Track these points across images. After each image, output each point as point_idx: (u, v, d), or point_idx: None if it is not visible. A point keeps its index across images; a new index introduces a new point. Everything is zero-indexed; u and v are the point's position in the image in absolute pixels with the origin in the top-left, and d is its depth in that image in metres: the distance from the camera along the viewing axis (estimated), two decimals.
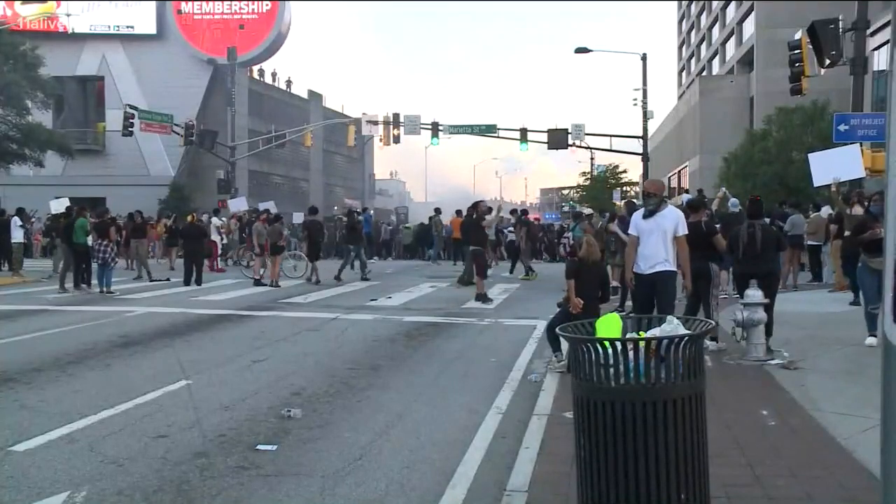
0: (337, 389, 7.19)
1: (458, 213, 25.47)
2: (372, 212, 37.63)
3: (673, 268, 7.58)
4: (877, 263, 7.93)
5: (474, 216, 15.68)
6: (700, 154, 44.13)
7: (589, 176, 51.98)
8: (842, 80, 20.59)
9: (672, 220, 7.57)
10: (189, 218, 21.36)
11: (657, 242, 7.47)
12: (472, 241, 15.32)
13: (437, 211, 29.32)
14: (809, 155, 15.35)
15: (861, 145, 14.67)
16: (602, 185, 47.49)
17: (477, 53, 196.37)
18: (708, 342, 8.01)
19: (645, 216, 7.64)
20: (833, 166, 13.89)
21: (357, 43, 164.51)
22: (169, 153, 45.44)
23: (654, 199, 7.72)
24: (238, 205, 29.38)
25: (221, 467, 4.94)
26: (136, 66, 47.54)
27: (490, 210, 17.74)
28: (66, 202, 22.66)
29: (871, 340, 8.23)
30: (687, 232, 7.64)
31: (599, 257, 8.08)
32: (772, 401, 6.27)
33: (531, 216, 35.69)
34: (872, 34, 22.21)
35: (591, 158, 50.06)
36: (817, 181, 14.57)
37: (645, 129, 36.78)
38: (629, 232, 7.97)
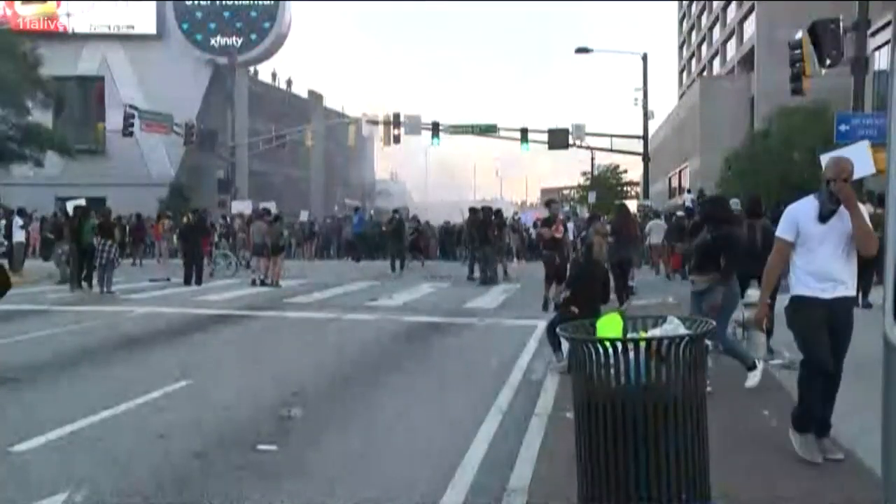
0: (337, 389, 7.20)
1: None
2: (372, 212, 37.52)
3: (855, 292, 5.20)
4: (693, 283, 7.03)
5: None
6: (700, 154, 44.13)
7: (589, 176, 51.97)
8: (843, 80, 20.58)
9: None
10: (185, 218, 21.40)
11: (837, 254, 4.88)
12: (545, 246, 13.79)
13: (472, 211, 28.86)
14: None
15: None
16: (602, 185, 47.50)
17: (477, 53, 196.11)
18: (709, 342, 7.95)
19: (823, 217, 4.86)
20: None
21: (357, 43, 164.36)
22: (169, 153, 45.43)
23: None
24: (243, 206, 29.46)
25: (221, 467, 4.94)
26: (136, 66, 47.50)
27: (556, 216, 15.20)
28: (82, 202, 22.57)
29: (751, 380, 6.83)
30: None
31: (604, 258, 8.11)
32: (772, 401, 6.27)
33: (534, 215, 35.23)
34: (873, 34, 22.18)
35: (592, 158, 50.05)
36: None
37: (646, 129, 36.77)
38: (779, 235, 5.14)
